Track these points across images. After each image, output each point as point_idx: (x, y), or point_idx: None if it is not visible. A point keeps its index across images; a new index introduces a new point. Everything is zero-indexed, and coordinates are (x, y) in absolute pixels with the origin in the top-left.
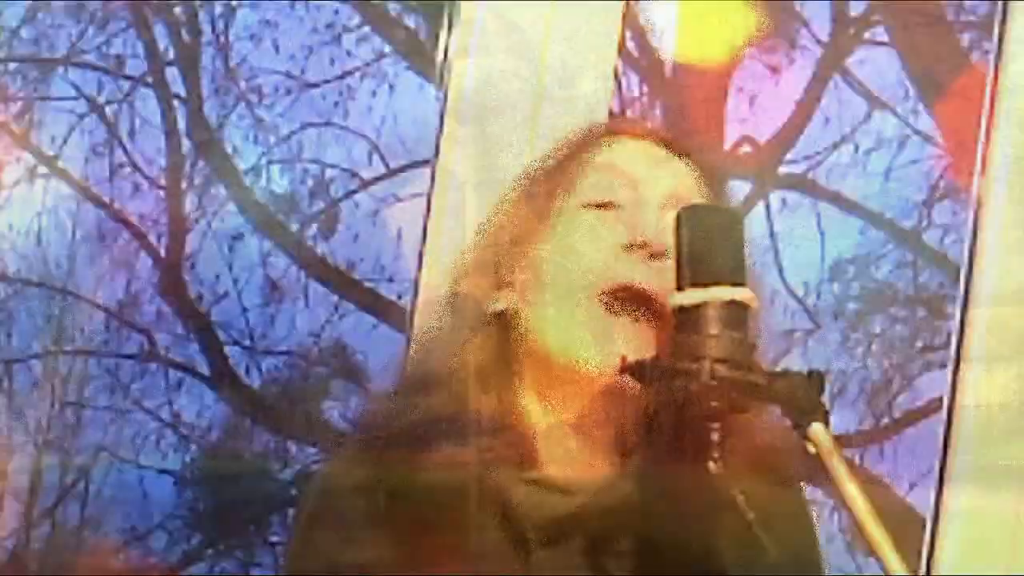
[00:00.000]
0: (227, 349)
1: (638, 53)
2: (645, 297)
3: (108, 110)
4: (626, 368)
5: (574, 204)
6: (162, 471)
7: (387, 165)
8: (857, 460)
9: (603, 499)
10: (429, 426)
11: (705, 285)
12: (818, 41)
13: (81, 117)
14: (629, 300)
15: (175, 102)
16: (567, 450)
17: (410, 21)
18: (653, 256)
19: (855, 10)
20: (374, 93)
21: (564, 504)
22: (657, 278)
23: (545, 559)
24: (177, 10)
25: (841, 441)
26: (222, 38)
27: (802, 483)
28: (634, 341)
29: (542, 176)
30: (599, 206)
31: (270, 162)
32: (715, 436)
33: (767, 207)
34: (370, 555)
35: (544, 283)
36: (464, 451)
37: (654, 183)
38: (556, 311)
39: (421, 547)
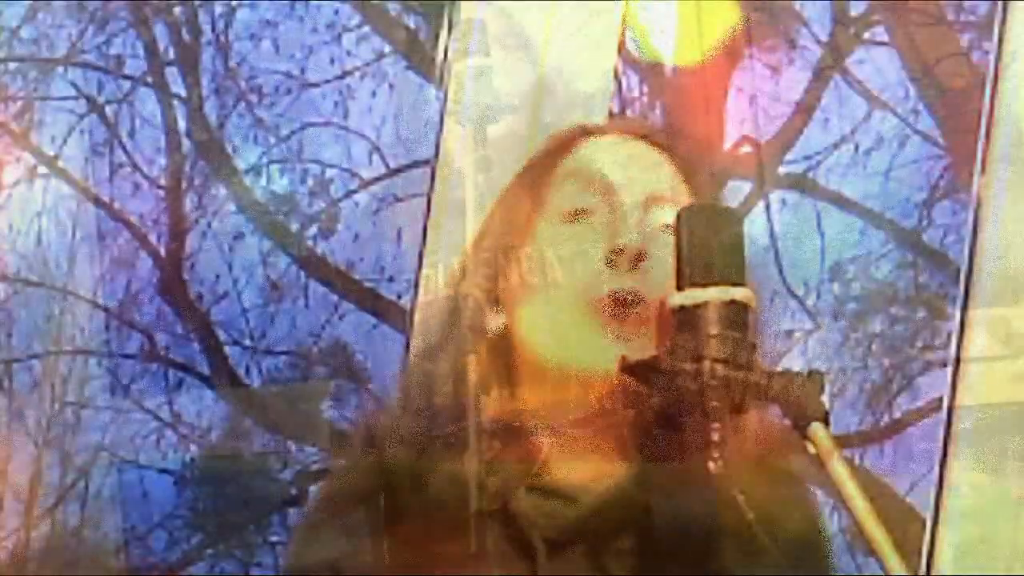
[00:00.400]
0: (227, 349)
1: (638, 53)
2: (635, 301)
3: (108, 110)
4: (626, 368)
5: (553, 214)
6: (162, 471)
7: (387, 165)
8: (857, 460)
9: (607, 504)
10: (431, 434)
11: (705, 285)
12: (818, 41)
13: (81, 117)
14: (619, 306)
15: (175, 102)
16: (570, 457)
17: (410, 21)
18: (635, 261)
19: (855, 10)
20: (374, 93)
21: (569, 510)
22: (643, 281)
23: (547, 563)
24: (177, 10)
25: (841, 441)
26: (222, 38)
27: (805, 482)
28: (631, 344)
29: (522, 186)
30: (576, 215)
31: (270, 162)
32: (715, 436)
33: (767, 207)
34: (372, 561)
35: (535, 296)
36: (467, 459)
37: (629, 184)
38: (550, 324)
39: (424, 554)
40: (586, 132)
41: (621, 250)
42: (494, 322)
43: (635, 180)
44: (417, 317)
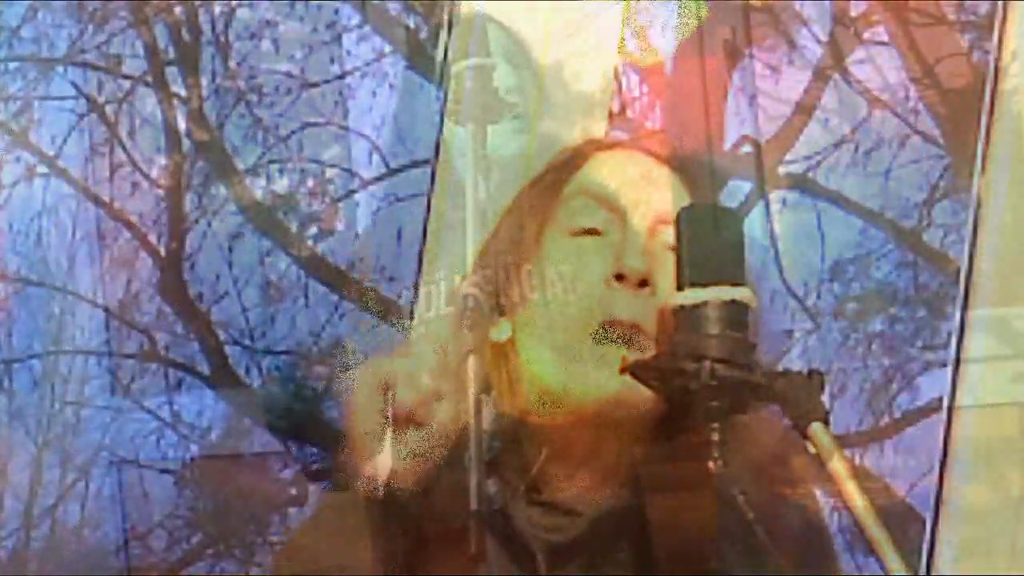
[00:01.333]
0: (227, 349)
1: (638, 53)
2: (631, 329)
3: (108, 110)
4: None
5: (561, 230)
6: (162, 471)
7: (387, 165)
8: (857, 460)
9: (610, 516)
10: (433, 448)
11: (705, 285)
12: (818, 41)
13: (81, 117)
14: (617, 332)
15: (175, 102)
16: (571, 472)
17: (410, 21)
18: (639, 286)
19: (855, 10)
20: (374, 93)
21: (571, 525)
22: (643, 310)
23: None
24: (177, 10)
25: (841, 441)
26: (222, 38)
27: (805, 483)
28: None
29: (531, 199)
30: (584, 233)
31: (270, 162)
32: (715, 436)
33: (767, 207)
34: (370, 564)
35: (536, 316)
36: (469, 474)
37: (639, 204)
38: (549, 345)
39: (425, 568)
40: (596, 146)
41: (624, 275)
42: (500, 331)
43: (644, 201)
44: (417, 318)
